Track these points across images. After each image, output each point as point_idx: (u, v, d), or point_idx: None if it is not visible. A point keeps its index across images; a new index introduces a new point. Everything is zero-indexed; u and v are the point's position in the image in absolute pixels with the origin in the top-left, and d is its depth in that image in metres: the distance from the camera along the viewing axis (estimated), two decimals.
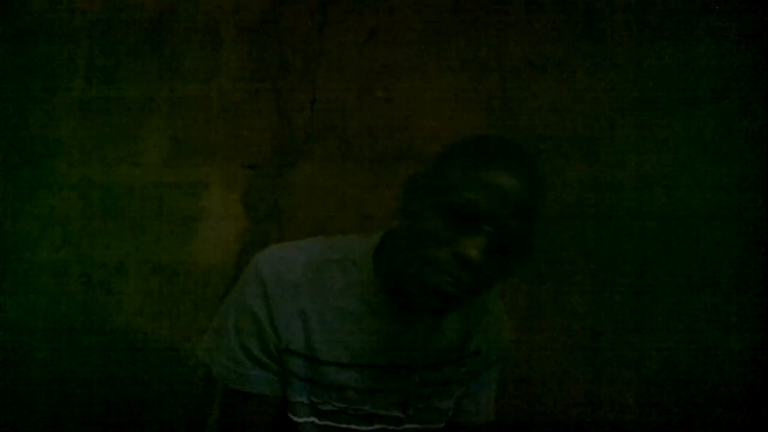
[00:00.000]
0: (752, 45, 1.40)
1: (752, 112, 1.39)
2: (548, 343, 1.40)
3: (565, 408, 1.39)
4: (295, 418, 0.83)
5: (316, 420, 0.83)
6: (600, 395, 1.39)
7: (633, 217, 1.40)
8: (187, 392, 1.39)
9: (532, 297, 1.40)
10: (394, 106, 1.42)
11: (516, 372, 1.39)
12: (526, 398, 1.39)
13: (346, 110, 1.42)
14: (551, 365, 1.39)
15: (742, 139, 1.39)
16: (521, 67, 1.42)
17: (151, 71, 1.43)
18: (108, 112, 1.43)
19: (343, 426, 0.84)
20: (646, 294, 1.39)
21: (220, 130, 1.42)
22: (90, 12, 1.44)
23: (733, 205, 1.39)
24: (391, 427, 0.86)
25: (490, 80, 1.42)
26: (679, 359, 1.38)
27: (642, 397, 1.39)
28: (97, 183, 1.42)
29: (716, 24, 1.40)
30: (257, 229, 1.41)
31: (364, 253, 0.83)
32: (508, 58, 1.42)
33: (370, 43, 1.43)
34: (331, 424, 0.84)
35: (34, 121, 1.43)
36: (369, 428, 0.85)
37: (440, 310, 0.75)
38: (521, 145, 0.77)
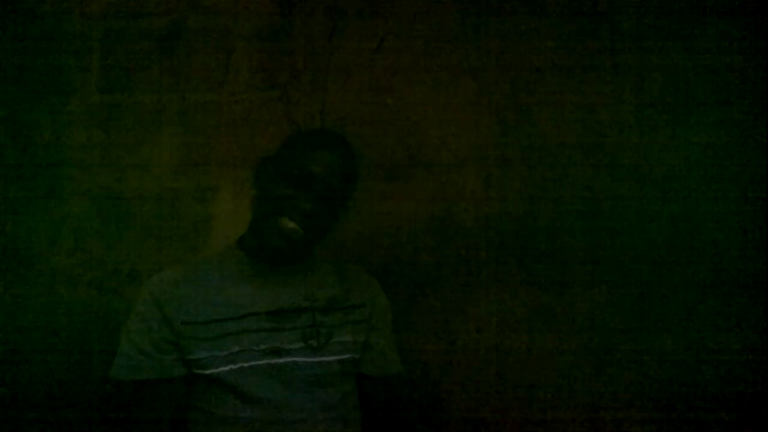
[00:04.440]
0: (757, 48, 1.40)
1: (758, 115, 1.39)
2: (556, 348, 1.40)
3: (573, 412, 1.39)
4: (213, 371, 0.99)
5: (232, 366, 1.00)
6: (608, 400, 1.39)
7: (641, 221, 1.40)
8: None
9: (540, 302, 1.40)
10: (404, 114, 1.43)
11: (524, 377, 1.39)
12: (533, 403, 1.39)
13: (355, 117, 1.43)
14: (559, 370, 1.39)
15: (748, 142, 1.39)
16: (530, 72, 1.43)
17: (163, 79, 1.44)
18: (120, 119, 1.44)
19: (258, 362, 1.01)
20: (653, 298, 1.39)
21: (230, 137, 1.44)
22: (102, 20, 1.46)
23: (739, 209, 1.39)
24: (301, 359, 1.03)
25: (499, 86, 1.43)
26: (687, 363, 1.38)
27: (650, 401, 1.39)
28: (109, 189, 1.43)
29: (721, 27, 1.41)
30: None
31: (230, 245, 1.13)
32: (518, 64, 1.43)
33: (380, 51, 1.44)
34: (245, 364, 1.00)
35: (47, 129, 1.44)
36: (280, 360, 1.02)
37: (289, 251, 1.02)
38: (341, 136, 1.11)
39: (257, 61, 1.45)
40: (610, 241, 1.40)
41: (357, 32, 1.44)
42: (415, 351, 1.37)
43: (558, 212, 1.41)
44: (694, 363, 1.38)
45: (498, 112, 1.43)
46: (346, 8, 1.45)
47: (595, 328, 1.39)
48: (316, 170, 1.02)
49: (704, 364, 1.38)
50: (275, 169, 1.06)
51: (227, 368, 1.00)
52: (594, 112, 1.42)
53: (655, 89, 1.42)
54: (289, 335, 1.04)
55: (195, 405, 1.02)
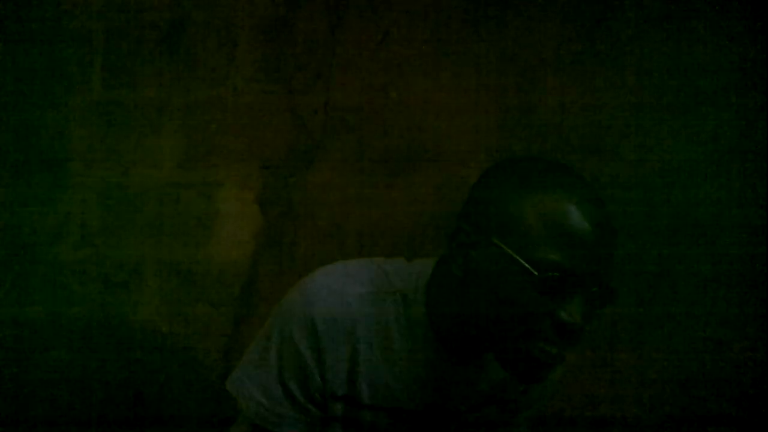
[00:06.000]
0: (758, 41, 1.39)
1: (759, 109, 1.39)
2: None
3: (582, 406, 1.39)
4: None
5: None
6: (617, 393, 1.39)
7: (648, 215, 1.40)
8: (203, 392, 1.40)
9: None
10: (409, 107, 1.43)
11: None
12: None
13: (360, 111, 1.43)
14: (568, 365, 1.39)
15: (750, 135, 1.39)
16: (534, 66, 1.42)
17: (167, 73, 1.44)
18: (124, 114, 1.44)
19: None
20: (663, 292, 1.39)
21: (235, 132, 1.43)
22: (104, 15, 1.45)
23: (741, 202, 1.39)
24: None
25: (505, 79, 1.43)
26: (697, 357, 1.38)
27: (653, 395, 1.39)
28: (114, 184, 1.43)
29: (722, 20, 1.40)
30: (272, 229, 1.42)
31: (417, 287, 0.77)
32: (522, 57, 1.43)
33: (384, 44, 1.44)
34: None
35: (51, 124, 1.44)
36: None
37: (542, 378, 0.69)
38: (574, 169, 0.69)
39: (261, 55, 1.44)
40: (620, 234, 1.40)
41: (361, 25, 1.44)
42: None
43: None
44: (698, 355, 1.38)
45: (502, 105, 1.43)
46: (350, 1, 1.44)
47: (608, 320, 1.40)
48: (578, 265, 0.63)
49: (707, 356, 1.38)
50: (486, 238, 0.68)
51: None
52: (597, 105, 1.42)
53: (657, 82, 1.41)
54: None
55: None
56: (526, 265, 0.63)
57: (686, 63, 1.41)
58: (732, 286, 1.38)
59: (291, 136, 1.43)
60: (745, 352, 1.37)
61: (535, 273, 0.63)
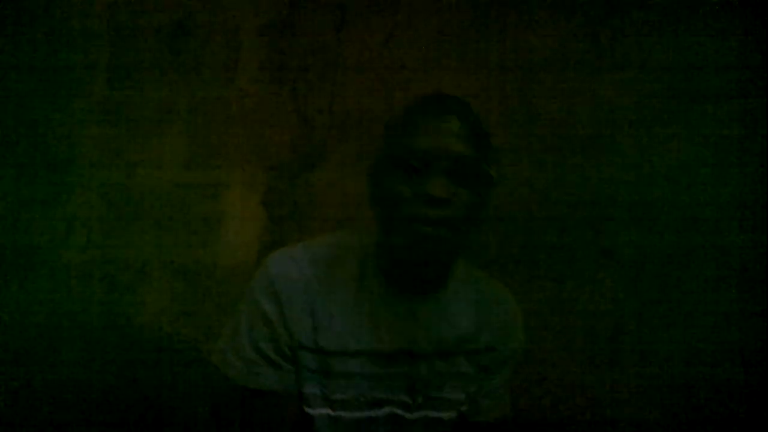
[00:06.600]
0: (758, 42, 1.40)
1: (759, 109, 1.39)
2: (569, 342, 1.40)
3: (586, 407, 1.40)
4: (309, 411, 0.87)
5: (329, 411, 0.87)
6: (621, 394, 1.39)
7: (653, 214, 1.40)
8: (209, 392, 1.40)
9: (552, 296, 1.40)
10: None
11: (537, 371, 1.39)
12: (546, 398, 1.40)
13: (365, 112, 1.43)
14: (572, 365, 1.40)
15: (750, 135, 1.40)
16: (540, 65, 1.43)
17: (172, 75, 1.44)
18: (129, 115, 1.44)
19: (355, 414, 0.87)
20: (667, 292, 1.39)
21: (240, 133, 1.44)
22: (110, 17, 1.46)
23: (742, 202, 1.39)
24: (400, 412, 0.89)
25: (509, 80, 1.43)
26: (701, 358, 1.38)
27: (664, 397, 1.39)
28: (120, 185, 1.43)
29: (723, 21, 1.41)
30: (277, 230, 1.42)
31: (366, 245, 0.89)
32: (524, 58, 1.43)
33: (389, 44, 1.44)
34: (344, 413, 0.87)
35: (57, 125, 1.44)
36: (379, 412, 0.88)
37: (431, 260, 0.80)
38: (454, 96, 0.87)
39: (265, 57, 1.45)
40: (616, 235, 1.40)
41: (365, 26, 1.44)
42: None
43: (564, 205, 1.41)
44: (699, 356, 1.38)
45: (508, 105, 1.43)
46: (354, 2, 1.44)
47: (612, 321, 1.40)
48: (430, 143, 0.78)
49: (709, 356, 1.38)
50: (384, 161, 0.83)
51: (324, 411, 0.87)
52: (599, 105, 1.42)
53: (658, 82, 1.41)
54: (397, 383, 0.88)
55: None
56: (396, 155, 0.80)
57: (687, 63, 1.41)
58: (733, 286, 1.38)
59: (296, 137, 1.44)
60: (745, 352, 1.37)
61: (404, 158, 0.78)
